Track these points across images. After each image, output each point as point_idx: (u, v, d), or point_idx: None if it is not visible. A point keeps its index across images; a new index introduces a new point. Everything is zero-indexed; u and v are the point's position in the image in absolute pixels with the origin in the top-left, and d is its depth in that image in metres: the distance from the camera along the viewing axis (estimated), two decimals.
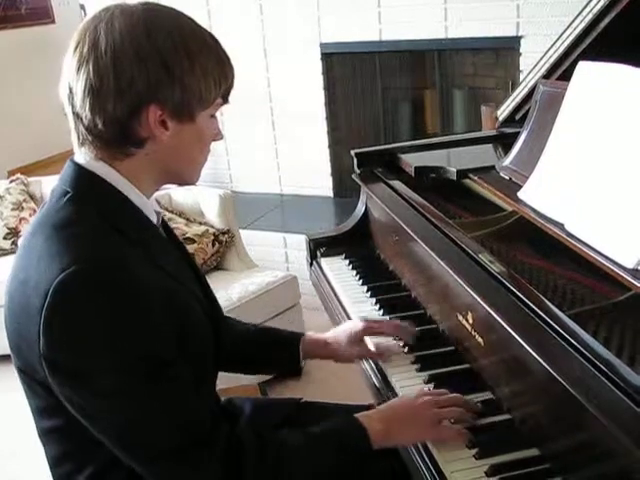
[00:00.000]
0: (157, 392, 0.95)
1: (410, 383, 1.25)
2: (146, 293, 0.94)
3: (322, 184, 4.04)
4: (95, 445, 1.02)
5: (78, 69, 0.97)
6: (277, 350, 1.37)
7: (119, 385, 0.93)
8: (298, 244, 3.35)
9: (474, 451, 1.04)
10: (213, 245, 2.81)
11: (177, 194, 3.04)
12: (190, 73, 0.98)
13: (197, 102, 1.01)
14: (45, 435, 1.08)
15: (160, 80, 0.96)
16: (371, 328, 1.37)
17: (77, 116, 0.99)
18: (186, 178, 1.11)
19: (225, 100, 1.08)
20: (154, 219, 1.09)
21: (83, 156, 1.03)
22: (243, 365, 1.40)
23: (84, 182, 1.01)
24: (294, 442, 1.06)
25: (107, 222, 0.98)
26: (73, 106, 0.99)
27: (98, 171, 1.01)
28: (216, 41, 1.04)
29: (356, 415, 1.11)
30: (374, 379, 1.33)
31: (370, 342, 1.37)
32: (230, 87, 1.07)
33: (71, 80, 0.98)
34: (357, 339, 1.36)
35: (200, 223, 2.89)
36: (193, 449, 0.97)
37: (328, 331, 1.41)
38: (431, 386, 1.22)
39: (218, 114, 1.10)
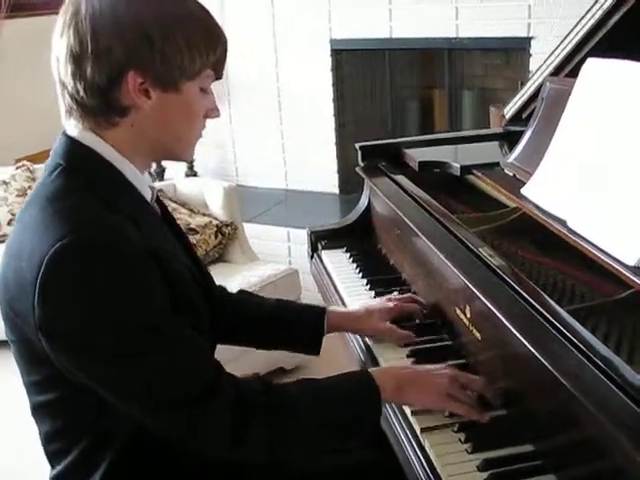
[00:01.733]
0: (158, 350, 0.96)
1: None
2: (139, 262, 0.95)
3: (328, 181, 4.03)
4: (88, 420, 1.03)
5: (61, 35, 0.98)
6: (300, 322, 1.33)
7: (120, 348, 0.94)
8: (302, 239, 3.32)
9: (467, 445, 1.03)
10: (216, 237, 2.80)
11: (182, 184, 3.04)
12: (171, 42, 0.98)
13: (180, 72, 1.00)
14: (38, 411, 1.08)
15: (139, 47, 0.97)
16: (400, 308, 1.36)
17: (62, 84, 1.00)
18: (177, 153, 1.11)
19: (217, 73, 1.06)
20: (147, 194, 1.08)
21: (73, 128, 1.03)
22: (262, 338, 1.36)
23: (76, 154, 1.01)
24: (302, 392, 1.06)
25: (98, 194, 0.98)
26: (59, 74, 1.00)
27: (89, 143, 1.02)
28: (206, 12, 1.04)
29: (372, 369, 1.12)
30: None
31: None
32: (220, 60, 1.06)
33: (56, 47, 0.99)
34: (387, 317, 1.34)
35: (204, 214, 2.88)
36: (201, 402, 0.97)
37: None
38: None
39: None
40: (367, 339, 1.37)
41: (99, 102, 0.99)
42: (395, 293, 1.46)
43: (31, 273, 0.92)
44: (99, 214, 0.96)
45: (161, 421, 1.00)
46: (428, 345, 1.31)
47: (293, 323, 1.33)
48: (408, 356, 1.28)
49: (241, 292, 1.41)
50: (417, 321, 1.37)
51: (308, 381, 1.09)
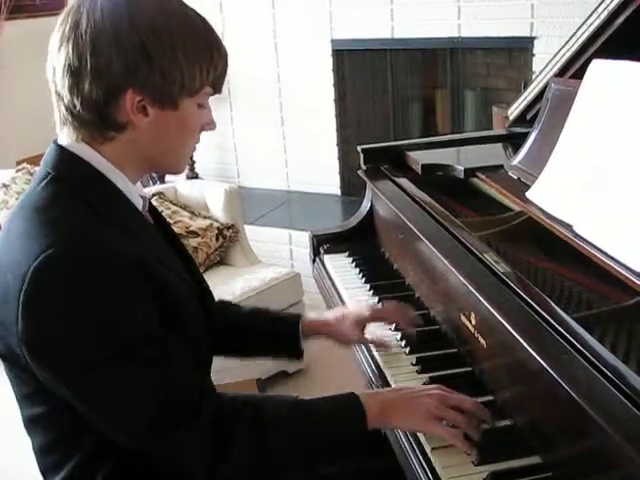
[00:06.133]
0: (140, 369, 0.94)
1: (410, 385, 1.22)
2: (125, 275, 0.93)
3: (330, 182, 4.01)
4: (80, 433, 1.01)
5: (59, 48, 0.96)
6: (276, 329, 1.34)
7: (100, 364, 0.92)
8: (304, 241, 3.31)
9: (473, 457, 1.01)
10: (217, 239, 2.78)
11: (182, 187, 3.02)
12: (171, 59, 0.96)
13: (179, 89, 0.99)
14: (30, 424, 1.06)
15: (138, 65, 0.95)
16: (376, 315, 1.37)
17: (58, 95, 0.98)
18: (170, 167, 1.10)
19: (216, 90, 1.05)
20: (139, 204, 1.06)
21: (66, 138, 1.01)
22: (241, 347, 1.37)
23: (66, 164, 1.00)
24: (288, 411, 1.03)
25: (87, 204, 0.96)
26: (55, 85, 0.98)
27: (80, 153, 1.00)
28: (208, 28, 1.02)
29: (360, 392, 1.08)
30: (373, 379, 1.30)
31: (368, 333, 1.37)
32: (220, 76, 1.04)
33: (53, 58, 0.97)
34: (362, 324, 1.35)
35: (205, 217, 2.86)
36: (179, 425, 0.95)
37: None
38: None
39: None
40: (375, 354, 1.34)
41: (95, 117, 0.97)
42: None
43: (15, 285, 0.90)
44: (86, 225, 0.94)
45: (140, 443, 0.97)
46: (433, 353, 1.29)
47: (269, 332, 1.34)
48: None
49: (220, 302, 1.38)
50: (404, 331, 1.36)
51: (295, 401, 1.07)
